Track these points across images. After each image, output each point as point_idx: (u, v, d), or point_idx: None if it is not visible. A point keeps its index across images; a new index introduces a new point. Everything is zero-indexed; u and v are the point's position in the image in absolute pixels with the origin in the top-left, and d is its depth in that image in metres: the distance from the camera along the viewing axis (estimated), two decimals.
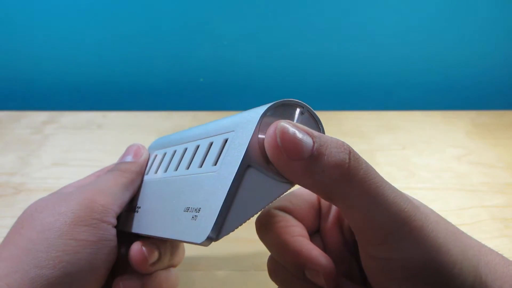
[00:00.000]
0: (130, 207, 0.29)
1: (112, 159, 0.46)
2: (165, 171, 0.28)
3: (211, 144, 0.24)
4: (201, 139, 0.26)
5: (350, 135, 0.50)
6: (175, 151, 0.28)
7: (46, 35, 0.57)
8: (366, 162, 0.20)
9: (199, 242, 0.21)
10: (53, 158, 0.46)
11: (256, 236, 0.36)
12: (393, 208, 0.19)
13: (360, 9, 0.55)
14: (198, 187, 0.23)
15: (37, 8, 0.54)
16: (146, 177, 0.30)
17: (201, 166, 0.24)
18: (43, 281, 0.23)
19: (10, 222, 0.38)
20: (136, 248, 0.27)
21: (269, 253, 0.28)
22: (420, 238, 0.19)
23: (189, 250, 0.36)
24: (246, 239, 0.36)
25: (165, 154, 0.29)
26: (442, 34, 0.57)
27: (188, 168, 0.25)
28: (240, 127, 0.22)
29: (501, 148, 0.49)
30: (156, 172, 0.29)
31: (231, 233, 0.29)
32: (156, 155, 0.30)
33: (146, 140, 0.49)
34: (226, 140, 0.23)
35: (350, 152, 0.20)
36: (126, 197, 0.28)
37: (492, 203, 0.41)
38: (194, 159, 0.25)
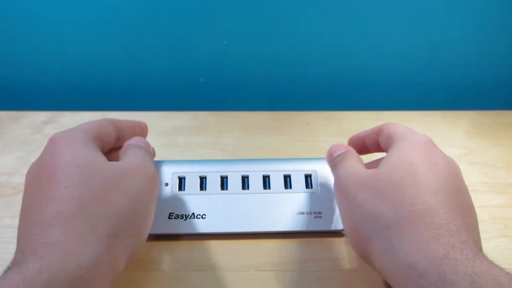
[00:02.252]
0: (184, 216, 0.37)
1: None
2: (227, 189, 0.38)
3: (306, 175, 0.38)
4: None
5: (350, 135, 0.50)
6: (227, 176, 0.38)
7: (46, 35, 0.57)
8: None
9: (342, 228, 0.35)
10: None
11: (256, 236, 0.36)
12: None
13: (360, 9, 0.55)
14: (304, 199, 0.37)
15: (37, 8, 0.54)
16: (197, 194, 0.38)
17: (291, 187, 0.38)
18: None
19: (10, 222, 0.38)
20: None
21: (268, 254, 0.34)
22: None
23: (189, 250, 0.36)
24: (246, 239, 0.36)
25: (205, 177, 0.38)
26: (442, 34, 0.57)
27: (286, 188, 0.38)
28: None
29: (501, 148, 0.49)
30: (205, 190, 0.38)
31: (231, 233, 0.36)
32: (185, 177, 0.38)
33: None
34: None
35: None
36: None
37: (492, 203, 0.41)
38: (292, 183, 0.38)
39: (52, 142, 0.30)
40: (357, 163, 0.31)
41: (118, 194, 0.27)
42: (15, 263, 0.23)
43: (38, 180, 0.28)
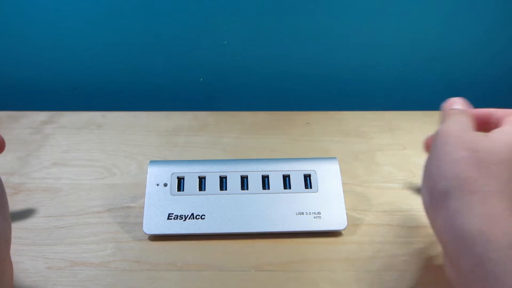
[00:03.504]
0: (183, 217, 0.36)
1: (112, 159, 0.46)
2: (226, 189, 0.38)
3: (306, 175, 0.38)
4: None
5: (350, 135, 0.50)
6: (226, 176, 0.38)
7: (46, 35, 0.57)
8: None
9: (342, 228, 0.36)
10: (52, 158, 0.46)
11: (255, 237, 0.36)
12: None
13: (360, 9, 0.55)
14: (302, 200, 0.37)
15: (37, 8, 0.54)
16: (195, 194, 0.38)
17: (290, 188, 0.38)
18: None
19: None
20: None
21: (268, 254, 0.34)
22: None
23: (188, 251, 0.36)
24: (246, 239, 0.36)
25: (204, 177, 0.38)
26: (442, 34, 0.57)
27: (285, 188, 0.38)
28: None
29: None
30: (204, 190, 0.38)
31: (231, 234, 0.35)
32: (184, 177, 0.38)
33: (146, 140, 0.49)
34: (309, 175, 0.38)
35: None
36: None
37: None
38: (292, 183, 0.38)
39: None
40: (470, 124, 0.31)
41: None
42: None
43: None
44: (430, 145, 0.34)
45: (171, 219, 0.36)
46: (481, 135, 0.29)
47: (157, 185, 0.38)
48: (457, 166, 0.28)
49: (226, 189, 0.38)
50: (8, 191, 0.42)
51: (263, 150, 0.48)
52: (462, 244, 0.26)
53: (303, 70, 0.61)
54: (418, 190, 0.42)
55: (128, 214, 0.39)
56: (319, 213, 0.37)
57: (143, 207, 0.37)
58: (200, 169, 0.39)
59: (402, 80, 0.61)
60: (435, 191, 0.29)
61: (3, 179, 0.43)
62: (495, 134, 0.29)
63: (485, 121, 0.34)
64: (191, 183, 0.38)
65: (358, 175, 0.44)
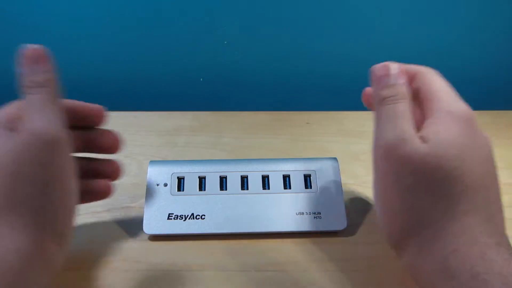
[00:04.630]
0: (183, 217, 0.36)
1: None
2: (226, 189, 0.37)
3: (305, 176, 0.39)
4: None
5: (350, 135, 0.50)
6: (226, 176, 0.38)
7: (46, 35, 0.57)
8: None
9: (342, 228, 0.36)
10: None
11: (255, 237, 0.36)
12: None
13: (361, 8, 0.55)
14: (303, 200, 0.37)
15: (37, 8, 0.54)
16: (195, 194, 0.37)
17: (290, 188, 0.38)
18: None
19: None
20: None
21: (268, 254, 0.34)
22: None
23: (188, 251, 0.36)
24: (245, 239, 0.36)
25: (204, 177, 0.38)
26: (442, 34, 0.57)
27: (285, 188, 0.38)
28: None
29: (501, 148, 0.49)
30: (204, 190, 0.38)
31: (231, 234, 0.36)
32: (184, 177, 0.38)
33: (146, 140, 0.49)
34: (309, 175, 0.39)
35: None
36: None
37: None
38: (292, 184, 0.38)
39: None
40: (410, 124, 0.26)
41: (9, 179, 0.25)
42: None
43: None
44: (370, 102, 0.30)
45: (171, 219, 0.36)
46: (421, 145, 0.25)
47: (157, 185, 0.38)
48: (408, 198, 0.25)
49: (226, 189, 0.38)
50: None
51: (263, 150, 0.48)
52: (430, 283, 0.25)
53: (303, 70, 0.60)
54: None
55: (128, 214, 0.39)
56: (319, 213, 0.37)
57: (143, 207, 0.37)
58: (200, 169, 0.39)
59: None
60: (392, 231, 0.27)
61: None
62: (432, 137, 0.25)
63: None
64: (191, 183, 0.38)
65: (358, 175, 0.44)
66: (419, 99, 0.28)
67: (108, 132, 0.34)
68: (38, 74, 0.29)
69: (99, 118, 0.34)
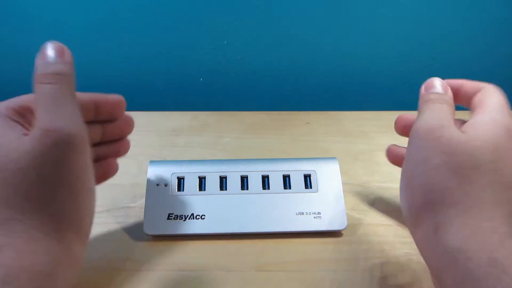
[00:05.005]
0: (183, 217, 0.36)
1: None
2: (226, 189, 0.37)
3: (306, 175, 0.38)
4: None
5: (350, 135, 0.50)
6: (226, 176, 0.38)
7: (46, 35, 0.57)
8: None
9: (342, 228, 0.36)
10: None
11: (255, 237, 0.36)
12: None
13: (361, 8, 0.55)
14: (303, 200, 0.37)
15: (37, 8, 0.54)
16: (196, 194, 0.37)
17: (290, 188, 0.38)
18: None
19: None
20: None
21: (268, 254, 0.34)
22: None
23: (188, 251, 0.36)
24: (245, 239, 0.36)
25: (204, 177, 0.38)
26: (442, 34, 0.57)
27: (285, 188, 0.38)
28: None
29: None
30: (204, 190, 0.38)
31: (231, 234, 0.36)
32: (184, 177, 0.38)
33: (146, 140, 0.49)
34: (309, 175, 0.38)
35: None
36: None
37: None
38: (291, 183, 0.38)
39: None
40: (449, 115, 0.28)
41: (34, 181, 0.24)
42: None
43: None
44: (396, 155, 0.33)
45: (171, 219, 0.36)
46: (459, 133, 0.27)
47: (157, 185, 0.38)
48: (435, 176, 0.26)
49: (226, 189, 0.38)
50: None
51: (263, 150, 0.48)
52: (443, 262, 0.25)
53: (303, 70, 0.61)
54: None
55: (128, 214, 0.39)
56: (319, 213, 0.37)
57: (143, 207, 0.37)
58: (200, 169, 0.39)
59: (402, 80, 0.61)
60: (414, 203, 0.27)
61: None
62: (470, 129, 0.27)
63: (455, 93, 0.31)
64: (191, 183, 0.38)
65: (358, 175, 0.44)
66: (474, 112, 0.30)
67: (124, 119, 0.35)
68: (54, 64, 0.27)
69: (121, 110, 0.34)
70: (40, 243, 0.24)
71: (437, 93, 0.30)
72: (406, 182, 0.28)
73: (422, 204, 0.26)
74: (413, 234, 0.28)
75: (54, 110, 0.25)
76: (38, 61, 0.27)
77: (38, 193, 0.25)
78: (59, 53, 0.28)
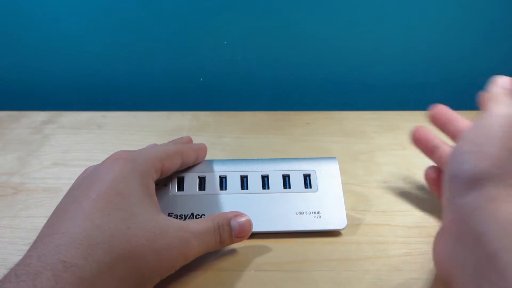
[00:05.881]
0: (183, 217, 0.36)
1: None
2: (226, 189, 0.38)
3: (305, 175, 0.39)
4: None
5: (350, 135, 0.50)
6: (225, 176, 0.38)
7: (46, 35, 0.57)
8: None
9: (341, 228, 0.36)
10: (52, 158, 0.46)
11: (255, 236, 0.36)
12: None
13: (361, 9, 0.55)
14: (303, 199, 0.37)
15: (36, 8, 0.54)
16: (196, 193, 0.37)
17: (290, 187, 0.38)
18: None
19: (9, 222, 0.38)
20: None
21: (268, 254, 0.35)
22: None
23: None
24: (246, 239, 0.36)
25: (204, 177, 0.38)
26: (442, 34, 0.57)
27: (285, 188, 0.38)
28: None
29: None
30: (204, 190, 0.38)
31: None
32: (184, 177, 0.38)
33: (146, 140, 0.49)
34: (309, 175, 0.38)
35: None
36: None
37: None
38: (291, 183, 0.38)
39: (115, 161, 0.30)
40: None
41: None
42: (28, 272, 0.23)
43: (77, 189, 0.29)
44: (434, 180, 0.34)
45: None
46: None
47: (157, 185, 0.38)
48: (510, 155, 0.26)
49: (226, 189, 0.38)
50: (8, 191, 0.42)
51: (263, 150, 0.48)
52: (499, 232, 0.23)
53: (303, 70, 0.61)
54: (418, 190, 0.42)
55: None
56: (319, 212, 0.37)
57: None
58: (200, 169, 0.39)
59: (402, 80, 0.61)
60: (475, 168, 0.26)
61: (3, 179, 0.43)
62: None
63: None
64: (191, 183, 0.38)
65: (358, 175, 0.44)
66: None
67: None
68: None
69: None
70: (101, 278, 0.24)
71: (506, 90, 0.31)
72: (471, 147, 0.28)
73: (483, 173, 0.26)
74: (453, 202, 0.27)
75: None
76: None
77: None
78: None
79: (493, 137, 0.27)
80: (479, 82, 0.62)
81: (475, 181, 0.26)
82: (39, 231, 0.28)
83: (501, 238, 0.23)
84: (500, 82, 0.32)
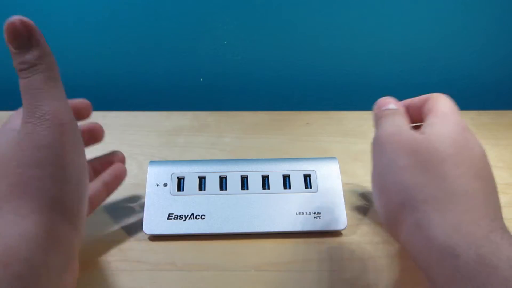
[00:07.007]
0: (183, 217, 0.36)
1: None
2: (226, 189, 0.37)
3: (305, 175, 0.38)
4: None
5: (350, 135, 0.50)
6: (226, 176, 0.38)
7: (46, 34, 0.57)
8: None
9: (342, 228, 0.36)
10: None
11: (255, 237, 0.36)
12: None
13: (361, 9, 0.55)
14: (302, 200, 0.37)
15: (36, 7, 0.54)
16: (195, 194, 0.37)
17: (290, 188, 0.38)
18: None
19: None
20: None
21: (268, 254, 0.34)
22: None
23: (188, 251, 0.36)
24: (245, 239, 0.36)
25: (204, 177, 0.38)
26: (442, 34, 0.57)
27: (285, 188, 0.38)
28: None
29: (501, 148, 0.49)
30: (204, 190, 0.38)
31: (231, 234, 0.36)
32: (184, 177, 0.38)
33: (146, 140, 0.49)
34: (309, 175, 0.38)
35: None
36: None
37: None
38: (292, 183, 0.38)
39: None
40: (405, 123, 0.30)
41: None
42: None
43: None
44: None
45: (171, 219, 0.36)
46: (418, 134, 0.28)
47: (157, 185, 0.38)
48: (403, 175, 0.27)
49: (226, 189, 0.38)
50: None
51: (263, 150, 0.48)
52: (431, 259, 0.24)
53: (303, 70, 0.61)
54: None
55: (128, 214, 0.39)
56: (319, 213, 0.37)
57: (143, 207, 0.37)
58: (200, 169, 0.39)
59: (402, 80, 0.61)
60: (390, 206, 0.28)
61: None
62: (427, 129, 0.28)
63: (406, 111, 0.33)
64: (191, 183, 0.38)
65: (358, 175, 0.44)
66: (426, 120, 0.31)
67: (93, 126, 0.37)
68: (28, 52, 0.28)
69: (86, 114, 0.36)
70: (16, 227, 0.24)
71: (391, 109, 0.32)
72: (379, 188, 0.29)
73: (399, 205, 0.27)
74: (396, 237, 0.28)
75: (42, 98, 0.28)
76: (11, 46, 0.28)
77: (17, 176, 0.25)
78: (29, 33, 0.29)
79: (386, 166, 0.28)
80: (479, 82, 0.62)
81: (395, 220, 0.28)
82: None
83: (432, 270, 0.25)
84: (380, 103, 0.33)
